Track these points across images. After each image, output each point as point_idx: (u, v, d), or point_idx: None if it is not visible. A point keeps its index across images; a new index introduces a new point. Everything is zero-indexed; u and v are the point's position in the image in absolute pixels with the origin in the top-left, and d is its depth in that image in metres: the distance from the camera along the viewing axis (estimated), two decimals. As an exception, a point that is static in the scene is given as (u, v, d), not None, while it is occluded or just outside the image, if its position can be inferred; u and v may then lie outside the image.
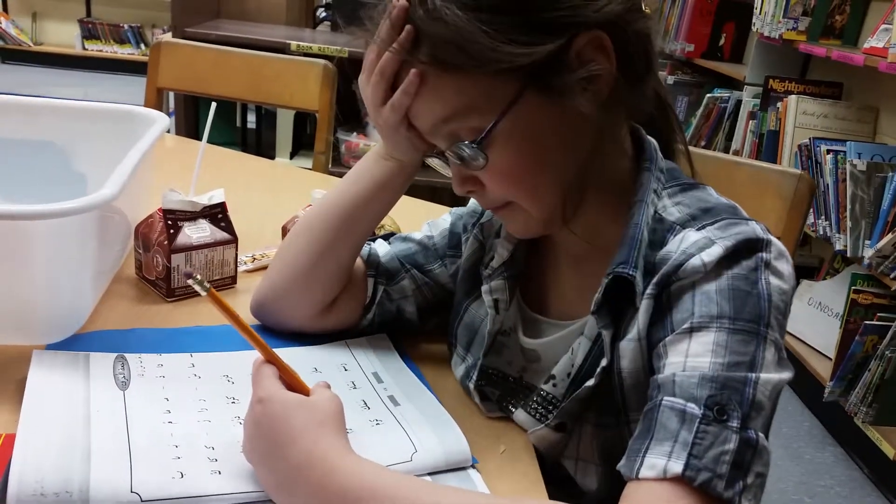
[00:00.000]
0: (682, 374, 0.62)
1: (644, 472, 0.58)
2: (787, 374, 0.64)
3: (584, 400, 0.71)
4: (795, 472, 2.16)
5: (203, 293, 0.64)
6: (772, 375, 0.62)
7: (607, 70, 0.66)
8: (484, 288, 0.80)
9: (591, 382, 0.70)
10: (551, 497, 0.63)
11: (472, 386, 0.79)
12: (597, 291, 0.69)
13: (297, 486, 0.60)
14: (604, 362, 0.69)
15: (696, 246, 0.66)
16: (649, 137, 0.76)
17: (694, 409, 0.59)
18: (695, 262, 0.65)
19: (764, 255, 0.65)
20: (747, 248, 0.65)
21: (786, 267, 0.66)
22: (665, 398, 0.61)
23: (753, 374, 0.61)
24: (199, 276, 0.64)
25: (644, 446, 0.60)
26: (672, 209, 0.71)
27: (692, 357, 0.62)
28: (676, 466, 0.57)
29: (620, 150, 0.74)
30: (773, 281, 0.64)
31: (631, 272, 0.67)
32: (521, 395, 0.79)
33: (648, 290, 0.67)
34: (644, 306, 0.67)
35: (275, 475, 0.61)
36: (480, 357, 0.79)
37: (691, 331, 0.63)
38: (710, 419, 0.59)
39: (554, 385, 0.74)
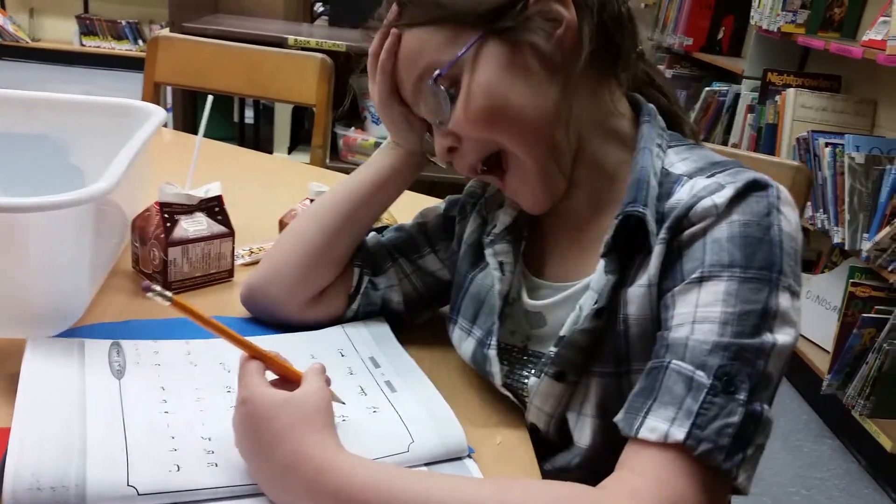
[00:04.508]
0: (695, 338, 0.61)
1: (644, 433, 0.58)
2: (795, 332, 0.63)
3: (584, 349, 0.70)
4: (793, 465, 2.16)
5: (166, 304, 0.62)
6: (786, 339, 0.61)
7: (567, 19, 0.69)
8: (488, 252, 0.80)
9: (585, 325, 0.68)
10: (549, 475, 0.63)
11: (491, 353, 0.77)
12: (599, 250, 0.69)
13: (287, 484, 0.59)
14: (596, 305, 0.68)
15: (706, 189, 0.66)
16: (649, 104, 0.77)
17: (702, 377, 0.59)
18: (706, 202, 0.65)
19: (774, 199, 0.65)
20: (757, 189, 0.65)
21: (795, 214, 0.66)
22: (674, 361, 0.61)
23: (769, 339, 0.60)
24: (157, 287, 0.62)
25: (646, 406, 0.60)
26: (679, 164, 0.72)
27: (702, 307, 0.62)
28: (678, 434, 0.57)
29: (616, 110, 0.75)
30: (785, 227, 0.64)
31: (641, 209, 0.67)
32: (529, 365, 0.78)
33: (661, 236, 0.67)
34: (657, 251, 0.67)
35: (265, 473, 0.61)
36: (495, 321, 0.77)
37: (701, 280, 0.63)
38: (718, 390, 0.58)
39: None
